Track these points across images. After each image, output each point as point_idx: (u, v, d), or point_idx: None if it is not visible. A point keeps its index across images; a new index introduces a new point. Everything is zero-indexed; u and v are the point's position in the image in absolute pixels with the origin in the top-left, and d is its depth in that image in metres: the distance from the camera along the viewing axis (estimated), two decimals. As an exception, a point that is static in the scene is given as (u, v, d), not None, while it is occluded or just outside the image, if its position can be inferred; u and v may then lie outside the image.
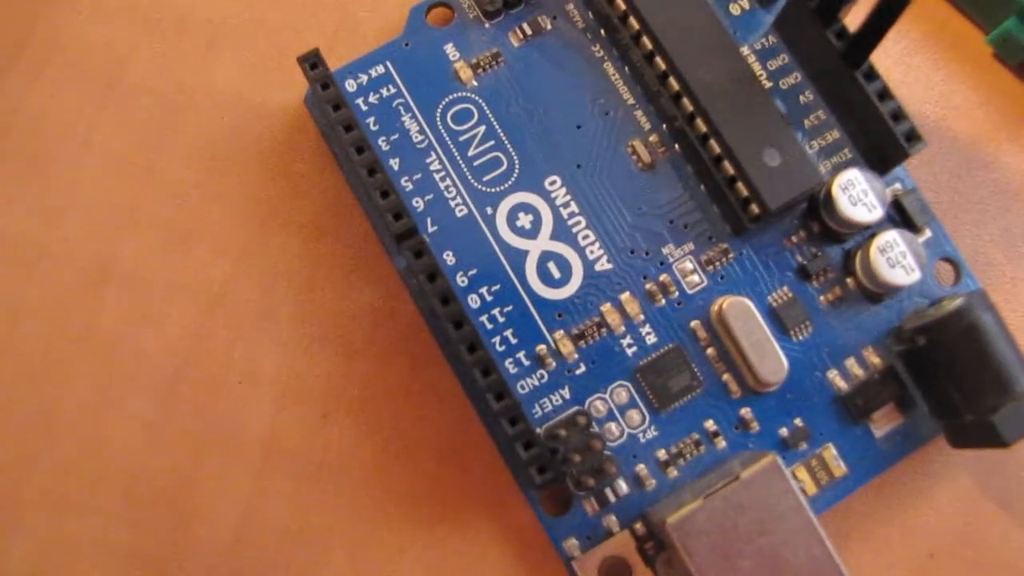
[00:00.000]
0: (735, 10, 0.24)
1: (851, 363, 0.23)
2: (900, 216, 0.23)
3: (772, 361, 0.22)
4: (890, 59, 0.26)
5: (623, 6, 0.23)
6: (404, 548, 0.22)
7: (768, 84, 0.24)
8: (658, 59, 0.22)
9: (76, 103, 0.24)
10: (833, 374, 0.23)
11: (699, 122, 0.22)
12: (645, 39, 0.22)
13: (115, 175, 0.23)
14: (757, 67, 0.24)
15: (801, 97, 0.24)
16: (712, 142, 0.22)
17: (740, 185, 0.22)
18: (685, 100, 0.22)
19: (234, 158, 0.24)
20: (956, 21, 0.26)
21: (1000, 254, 0.25)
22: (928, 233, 0.24)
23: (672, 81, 0.22)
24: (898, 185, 0.24)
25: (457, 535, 0.22)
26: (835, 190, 0.22)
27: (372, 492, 0.22)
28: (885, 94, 0.22)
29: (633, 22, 0.23)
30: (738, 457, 0.22)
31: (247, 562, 0.22)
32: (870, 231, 0.23)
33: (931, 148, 0.25)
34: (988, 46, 0.26)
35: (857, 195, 0.22)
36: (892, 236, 0.22)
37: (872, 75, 0.22)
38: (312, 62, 0.22)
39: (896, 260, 0.22)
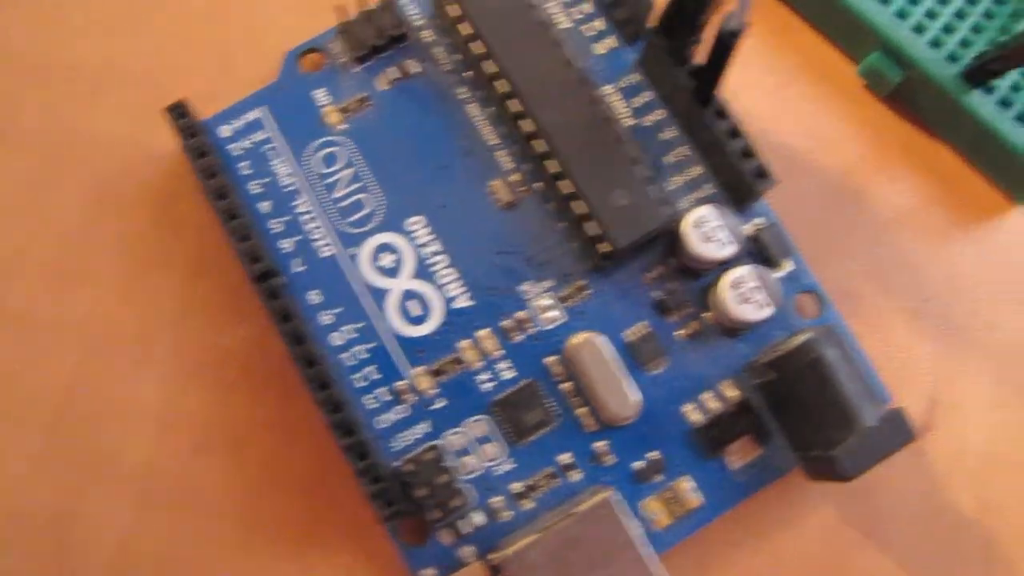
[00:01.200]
0: (601, 49, 0.25)
1: (707, 396, 0.23)
2: (760, 251, 0.24)
3: (620, 396, 0.22)
4: (760, 91, 0.26)
5: (483, 48, 0.23)
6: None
7: (632, 121, 0.24)
8: (513, 100, 0.23)
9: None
10: (689, 407, 0.23)
11: (550, 163, 0.23)
12: (501, 81, 0.23)
13: (3, 218, 0.25)
14: (622, 104, 0.24)
15: (665, 133, 0.24)
16: (563, 182, 0.23)
17: (590, 224, 0.22)
18: (537, 142, 0.23)
19: (119, 201, 0.25)
20: (829, 53, 0.26)
21: (868, 286, 0.25)
22: (790, 267, 0.24)
23: (525, 124, 0.23)
24: (761, 220, 0.24)
25: (324, 565, 0.23)
26: (686, 227, 0.23)
27: (243, 523, 0.23)
28: (735, 132, 0.23)
29: (490, 64, 0.23)
30: (589, 490, 0.22)
31: (121, 590, 0.23)
32: (726, 266, 0.23)
33: (801, 181, 0.26)
34: (860, 78, 0.26)
35: (709, 232, 0.23)
36: (744, 272, 0.23)
37: (723, 113, 0.23)
38: (179, 112, 0.23)
39: (748, 295, 0.23)
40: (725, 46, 0.20)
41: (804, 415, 0.22)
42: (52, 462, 0.24)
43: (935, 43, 0.25)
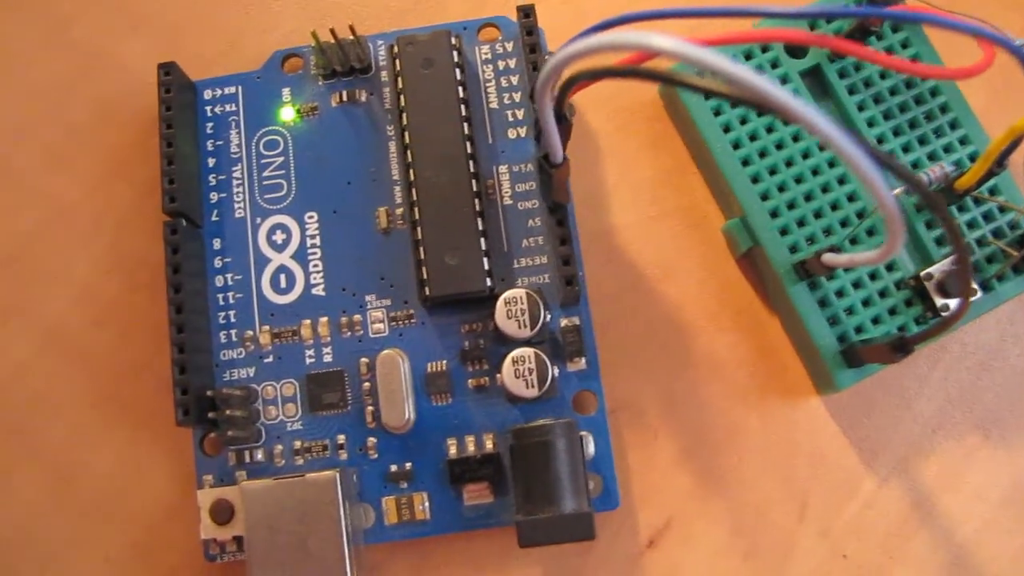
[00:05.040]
0: (512, 134, 0.29)
1: (470, 439, 0.28)
2: (562, 343, 0.28)
3: (395, 411, 0.27)
4: (636, 215, 0.30)
5: (403, 103, 0.28)
6: (109, 444, 0.29)
7: (511, 201, 0.29)
8: (409, 152, 0.28)
9: (27, 35, 0.32)
10: (451, 441, 0.28)
11: (416, 210, 0.28)
12: (407, 133, 0.28)
13: (31, 100, 0.32)
14: (508, 185, 0.29)
15: (531, 220, 0.29)
16: (419, 229, 0.27)
17: (424, 269, 0.27)
18: (413, 190, 0.28)
19: (119, 117, 0.31)
20: (709, 204, 0.30)
21: (656, 409, 0.29)
22: (581, 366, 0.28)
23: (411, 172, 0.28)
24: (575, 318, 0.28)
25: (145, 443, 0.29)
26: (499, 301, 0.27)
27: (102, 391, 0.29)
28: (563, 240, 0.27)
29: (405, 117, 0.28)
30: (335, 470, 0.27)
31: (1, 404, 0.30)
32: (528, 343, 0.28)
33: (636, 301, 0.29)
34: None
35: (515, 311, 0.27)
36: (527, 353, 0.27)
37: (561, 222, 0.27)
38: (167, 70, 0.29)
39: (522, 373, 0.27)
40: (546, 172, 0.24)
41: (523, 483, 0.26)
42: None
43: (784, 230, 0.28)
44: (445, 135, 0.28)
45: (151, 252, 0.30)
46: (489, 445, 0.28)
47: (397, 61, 0.29)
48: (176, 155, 0.28)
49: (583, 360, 0.28)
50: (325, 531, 0.26)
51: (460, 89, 0.28)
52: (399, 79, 0.29)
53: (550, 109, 0.21)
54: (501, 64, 0.30)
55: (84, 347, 0.30)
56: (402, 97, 0.28)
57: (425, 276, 0.27)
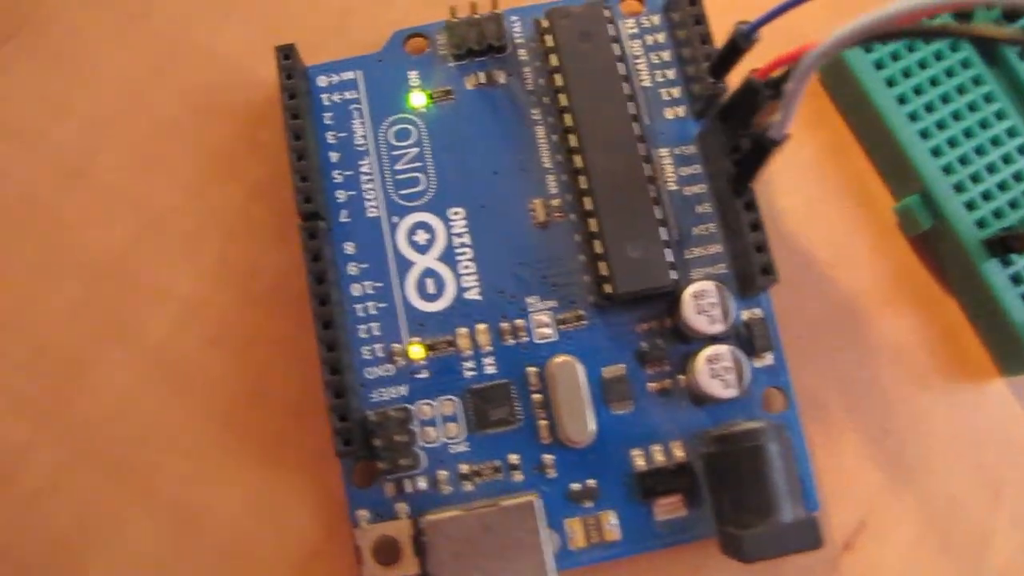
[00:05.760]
0: (670, 114, 0.27)
1: (656, 448, 0.25)
2: (747, 338, 0.26)
3: (578, 424, 0.25)
4: (804, 197, 0.28)
5: (561, 82, 0.26)
6: (233, 481, 0.26)
7: (675, 187, 0.26)
8: (572, 136, 0.25)
9: (104, 26, 0.28)
10: (637, 452, 0.25)
11: (586, 200, 0.25)
12: (567, 116, 0.25)
13: (111, 95, 0.28)
14: (671, 169, 0.27)
15: (699, 207, 0.26)
16: (591, 220, 0.25)
17: (601, 264, 0.25)
18: (581, 178, 0.25)
19: (214, 110, 0.28)
20: (874, 182, 0.28)
21: (838, 401, 0.27)
22: (769, 360, 0.26)
23: (577, 159, 0.25)
24: (758, 310, 0.26)
25: (279, 480, 0.26)
26: (686, 295, 0.25)
27: (226, 420, 0.26)
28: (755, 226, 0.25)
29: (564, 98, 0.26)
30: (522, 493, 0.24)
31: (107, 442, 0.26)
32: (712, 341, 0.25)
33: (812, 288, 0.27)
34: (894, 214, 0.28)
35: (705, 305, 0.25)
36: (723, 351, 0.25)
37: (751, 205, 0.25)
38: (286, 53, 0.26)
39: (719, 372, 0.25)
40: (763, 150, 0.22)
41: (732, 493, 0.24)
42: (86, 312, 0.27)
43: (970, 205, 0.26)
44: (611, 116, 0.25)
45: (262, 259, 0.27)
46: (679, 454, 0.25)
47: (549, 36, 0.26)
48: (304, 148, 0.25)
49: (770, 355, 0.26)
50: (525, 564, 0.23)
51: (621, 65, 0.26)
52: (552, 56, 0.26)
53: (810, 77, 0.19)
54: (649, 39, 0.27)
55: (196, 371, 0.26)
56: (558, 76, 0.26)
57: (606, 272, 0.24)
